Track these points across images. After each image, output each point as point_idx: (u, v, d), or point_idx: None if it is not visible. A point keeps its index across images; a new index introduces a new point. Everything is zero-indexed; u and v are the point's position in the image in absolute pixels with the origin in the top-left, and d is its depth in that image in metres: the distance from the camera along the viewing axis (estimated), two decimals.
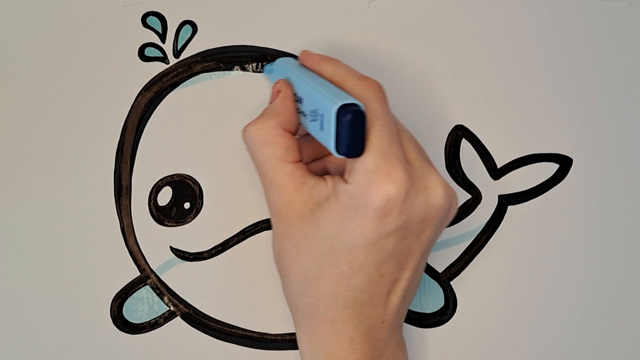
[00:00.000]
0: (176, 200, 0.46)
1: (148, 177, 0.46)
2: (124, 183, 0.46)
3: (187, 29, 0.46)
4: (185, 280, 0.47)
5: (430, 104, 0.47)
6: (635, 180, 0.47)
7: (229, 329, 0.47)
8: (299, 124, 0.41)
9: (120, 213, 0.46)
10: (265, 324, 0.47)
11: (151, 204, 0.46)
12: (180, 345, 0.47)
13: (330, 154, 0.43)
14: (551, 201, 0.47)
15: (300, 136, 0.42)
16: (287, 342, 0.47)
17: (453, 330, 0.47)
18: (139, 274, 0.47)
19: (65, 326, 0.46)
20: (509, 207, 0.47)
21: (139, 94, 0.46)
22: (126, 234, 0.46)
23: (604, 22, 0.47)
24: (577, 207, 0.47)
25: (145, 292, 0.47)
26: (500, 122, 0.47)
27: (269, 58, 0.46)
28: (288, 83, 0.42)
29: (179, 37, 0.46)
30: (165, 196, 0.46)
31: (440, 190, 0.39)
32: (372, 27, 0.46)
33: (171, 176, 0.46)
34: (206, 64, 0.46)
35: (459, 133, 0.47)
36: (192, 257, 0.47)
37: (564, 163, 0.47)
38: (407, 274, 0.40)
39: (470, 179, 0.47)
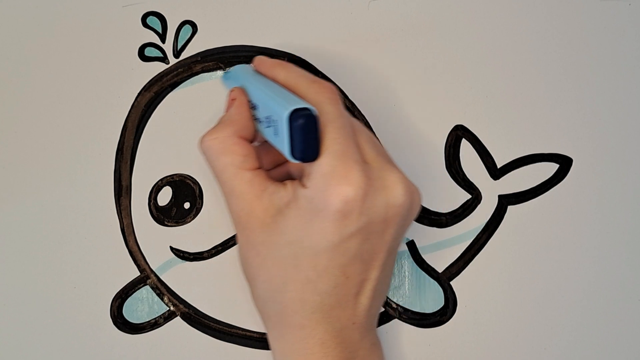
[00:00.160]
0: (176, 200, 0.46)
1: (148, 177, 0.46)
2: (124, 183, 0.46)
3: (187, 29, 0.46)
4: (185, 280, 0.47)
5: (430, 104, 0.47)
6: (635, 180, 0.47)
7: (229, 329, 0.47)
8: (256, 130, 0.41)
9: (120, 213, 0.46)
10: None
11: (151, 204, 0.46)
12: (180, 345, 0.47)
13: None
14: (551, 201, 0.47)
15: (261, 143, 0.42)
16: None
17: (453, 330, 0.47)
18: (139, 274, 0.47)
19: (65, 326, 0.46)
20: (509, 207, 0.47)
21: (139, 94, 0.46)
22: (126, 234, 0.46)
23: (604, 22, 0.47)
24: (577, 207, 0.47)
25: (145, 292, 0.47)
26: (500, 122, 0.47)
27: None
28: (243, 90, 0.41)
29: (179, 37, 0.46)
30: (165, 196, 0.46)
31: (399, 188, 0.38)
32: (372, 27, 0.46)
33: (171, 176, 0.46)
34: (206, 64, 0.46)
35: (459, 133, 0.47)
36: (192, 257, 0.47)
37: (564, 163, 0.47)
38: (374, 274, 0.39)
39: (470, 179, 0.47)
